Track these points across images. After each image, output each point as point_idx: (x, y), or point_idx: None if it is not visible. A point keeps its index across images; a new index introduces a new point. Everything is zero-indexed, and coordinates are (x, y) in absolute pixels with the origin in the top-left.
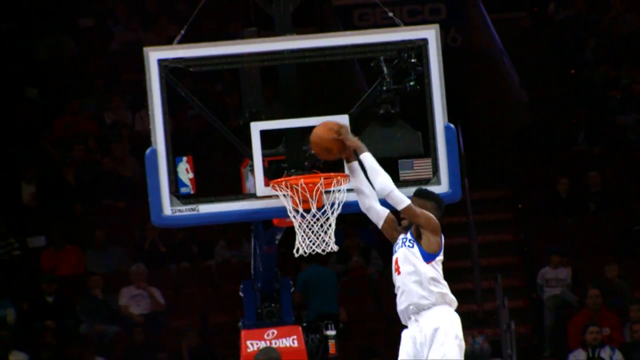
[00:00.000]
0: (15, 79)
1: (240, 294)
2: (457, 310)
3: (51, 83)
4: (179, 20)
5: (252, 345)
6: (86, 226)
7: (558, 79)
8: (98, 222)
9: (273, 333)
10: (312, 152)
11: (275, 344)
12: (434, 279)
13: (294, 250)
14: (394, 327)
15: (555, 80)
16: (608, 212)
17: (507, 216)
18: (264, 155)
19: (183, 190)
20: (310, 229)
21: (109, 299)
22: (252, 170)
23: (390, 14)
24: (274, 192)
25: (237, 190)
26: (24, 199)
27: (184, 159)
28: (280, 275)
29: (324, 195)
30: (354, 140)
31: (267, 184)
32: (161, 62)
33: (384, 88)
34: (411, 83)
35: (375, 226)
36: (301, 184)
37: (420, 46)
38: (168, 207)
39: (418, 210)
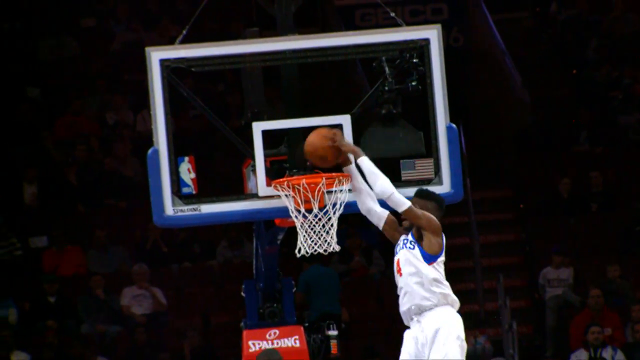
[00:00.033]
0: (17, 79)
1: (242, 294)
2: (459, 311)
3: (53, 83)
4: (181, 20)
5: (254, 345)
6: (88, 226)
7: (560, 79)
8: (100, 222)
9: (275, 333)
10: (308, 162)
11: (277, 344)
12: (436, 280)
13: (296, 251)
14: (396, 327)
15: (557, 81)
16: (610, 212)
17: (509, 216)
18: (265, 155)
19: (185, 190)
20: (312, 229)
21: (110, 299)
22: (254, 170)
23: (392, 14)
24: (275, 192)
25: (239, 191)
26: (25, 199)
27: (186, 159)
28: (282, 275)
29: (326, 195)
30: (349, 145)
31: (269, 184)
32: (163, 62)
33: (386, 88)
34: (413, 83)
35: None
36: (303, 184)
37: (422, 46)
38: (170, 207)
39: (419, 211)
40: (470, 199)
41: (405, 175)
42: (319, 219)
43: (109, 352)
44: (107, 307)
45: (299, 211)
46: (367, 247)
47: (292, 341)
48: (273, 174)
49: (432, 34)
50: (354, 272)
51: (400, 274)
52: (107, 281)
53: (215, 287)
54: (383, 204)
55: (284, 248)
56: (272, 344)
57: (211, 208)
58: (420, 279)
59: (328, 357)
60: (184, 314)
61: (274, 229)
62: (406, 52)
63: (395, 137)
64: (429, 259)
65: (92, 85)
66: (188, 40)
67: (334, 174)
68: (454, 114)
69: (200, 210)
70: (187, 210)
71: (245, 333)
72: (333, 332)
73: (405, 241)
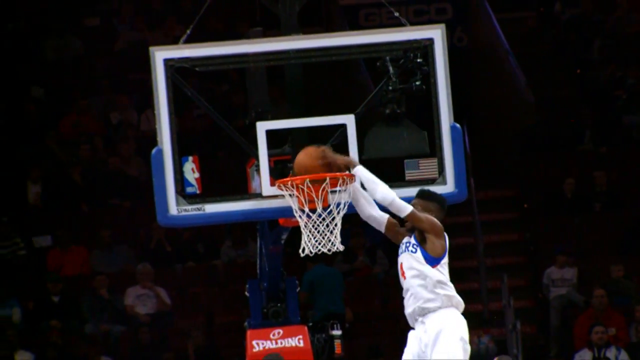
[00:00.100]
0: (21, 79)
1: (246, 293)
2: (463, 311)
3: (57, 83)
4: (185, 19)
5: (258, 345)
6: (92, 226)
7: (564, 78)
8: (104, 221)
9: (279, 333)
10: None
11: (281, 343)
12: (440, 282)
13: (300, 250)
14: (400, 326)
15: (561, 80)
16: (614, 212)
17: (513, 216)
18: (269, 155)
19: (189, 189)
20: (316, 229)
21: (114, 298)
22: (257, 170)
23: (396, 14)
24: (279, 192)
25: (243, 190)
26: (29, 199)
27: (190, 158)
28: (286, 275)
29: (330, 195)
30: (342, 158)
31: (273, 184)
32: (167, 62)
33: (390, 88)
34: (417, 83)
35: None
36: (307, 184)
37: (426, 46)
38: (174, 207)
39: (421, 215)
40: (474, 198)
41: (409, 175)
42: (323, 219)
43: (112, 351)
44: (111, 306)
45: (303, 211)
46: (371, 247)
47: (296, 341)
48: (277, 173)
49: (436, 33)
50: (358, 272)
51: (405, 277)
52: (111, 281)
53: (219, 287)
54: (382, 207)
55: (288, 248)
56: (276, 343)
57: (215, 208)
58: (423, 281)
59: (332, 357)
60: (188, 314)
61: (278, 229)
62: (410, 52)
63: (399, 137)
64: (433, 261)
65: (96, 84)
66: (192, 39)
67: (337, 173)
68: (458, 113)
69: (204, 210)
70: (191, 210)
71: (249, 333)
72: (337, 332)
73: (408, 244)
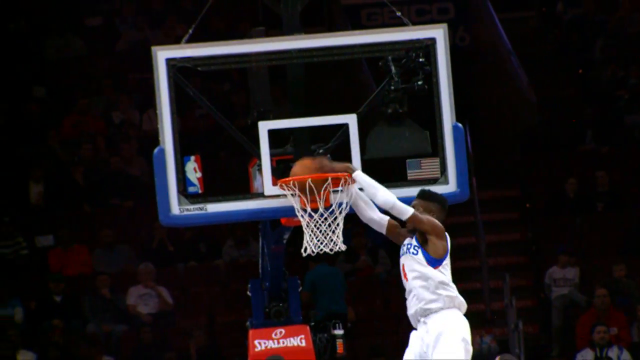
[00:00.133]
0: (23, 79)
1: (248, 293)
2: (465, 311)
3: (59, 82)
4: (187, 19)
5: (260, 344)
6: (94, 225)
7: (566, 78)
8: (106, 221)
9: (281, 332)
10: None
11: (283, 343)
12: (442, 283)
13: (302, 250)
14: (402, 326)
15: (563, 80)
16: (616, 211)
17: (515, 216)
18: (271, 155)
19: (191, 189)
20: (318, 229)
21: (116, 298)
22: (260, 170)
23: (399, 14)
24: (281, 192)
25: (245, 190)
26: (31, 198)
27: (192, 158)
28: (288, 275)
29: (332, 195)
30: (340, 166)
31: (275, 183)
32: (169, 62)
33: (392, 87)
34: (419, 82)
35: None
36: (309, 184)
37: (428, 45)
38: (176, 207)
39: (423, 217)
40: (476, 198)
41: (411, 174)
42: (325, 219)
43: (114, 351)
44: (113, 306)
45: (305, 210)
46: (373, 247)
47: (298, 340)
48: (279, 173)
49: (438, 33)
50: (359, 272)
51: (407, 279)
52: (113, 280)
53: (221, 287)
54: (382, 209)
55: (290, 247)
56: (278, 343)
57: (217, 207)
58: (425, 283)
59: (334, 357)
60: (190, 314)
61: (280, 228)
62: (412, 52)
63: (401, 137)
64: (435, 262)
65: (98, 84)
66: (194, 39)
67: (339, 174)
68: (460, 113)
69: (206, 210)
70: (193, 210)
71: (251, 332)
72: (339, 332)
73: (409, 246)
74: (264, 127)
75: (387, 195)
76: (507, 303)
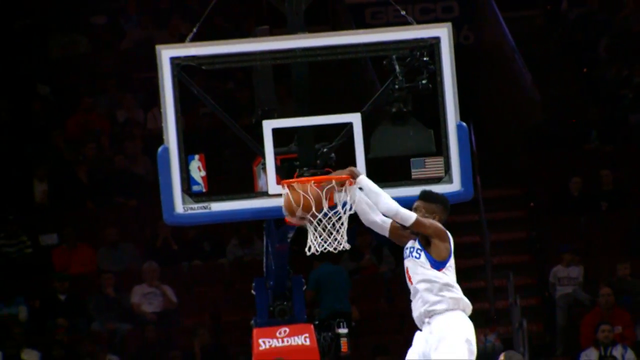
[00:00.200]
0: (27, 77)
1: (253, 292)
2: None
3: (63, 81)
4: (191, 18)
5: (264, 343)
6: (98, 224)
7: (570, 77)
8: (110, 220)
9: (285, 331)
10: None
11: (287, 342)
12: (446, 285)
13: (306, 249)
14: (407, 324)
15: (567, 79)
16: (620, 210)
17: (519, 214)
18: (276, 154)
19: (195, 188)
20: (323, 229)
21: (121, 297)
22: (264, 169)
23: (403, 12)
24: (286, 191)
25: (249, 189)
26: (36, 197)
27: (196, 157)
28: (292, 273)
29: (336, 195)
30: (345, 172)
31: (279, 182)
32: (173, 60)
33: (396, 86)
34: (423, 81)
35: None
36: (312, 185)
37: (432, 44)
38: (180, 205)
39: (425, 222)
40: (480, 197)
41: (415, 173)
42: (329, 218)
43: (119, 350)
44: (118, 305)
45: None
46: (377, 245)
47: (302, 339)
48: (283, 172)
49: (442, 32)
50: (364, 270)
51: (411, 282)
52: (117, 279)
53: (225, 285)
54: None
55: (294, 246)
56: (282, 342)
57: (221, 206)
58: (429, 285)
59: (338, 355)
60: (194, 312)
61: (284, 227)
62: (416, 51)
63: (406, 136)
64: (438, 265)
65: (103, 83)
66: (198, 38)
67: (344, 175)
68: (464, 112)
69: (210, 208)
70: (197, 208)
71: (255, 331)
72: (343, 330)
73: (412, 249)
74: (268, 125)
75: (390, 203)
76: (511, 302)
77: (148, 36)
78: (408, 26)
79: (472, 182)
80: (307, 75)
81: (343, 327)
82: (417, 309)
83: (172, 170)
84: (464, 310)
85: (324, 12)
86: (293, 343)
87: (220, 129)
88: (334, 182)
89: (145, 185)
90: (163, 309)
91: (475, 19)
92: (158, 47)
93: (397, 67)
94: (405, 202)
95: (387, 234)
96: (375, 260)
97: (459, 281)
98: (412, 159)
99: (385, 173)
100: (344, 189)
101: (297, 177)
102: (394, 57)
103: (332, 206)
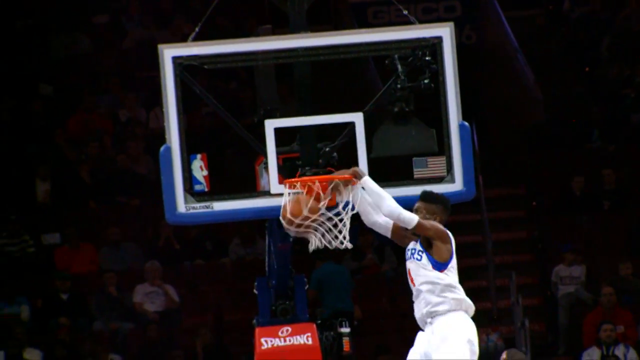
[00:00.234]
0: (29, 77)
1: (255, 291)
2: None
3: (65, 80)
4: (194, 17)
5: (267, 342)
6: (100, 223)
7: (572, 76)
8: (112, 219)
9: (287, 330)
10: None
11: (290, 341)
12: (448, 286)
13: (309, 245)
14: (409, 324)
15: (569, 78)
16: (622, 210)
17: (521, 214)
18: (278, 153)
19: (197, 187)
20: (327, 230)
21: (123, 296)
22: (266, 168)
23: (405, 12)
24: (288, 190)
25: (251, 188)
26: (38, 196)
27: (198, 156)
28: (294, 273)
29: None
30: (348, 172)
31: (281, 182)
32: (176, 60)
33: (399, 86)
34: (425, 81)
35: None
36: (316, 184)
37: (434, 44)
38: (182, 205)
39: (427, 224)
40: (482, 196)
41: (418, 173)
42: (330, 218)
43: (121, 349)
44: (120, 304)
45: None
46: (379, 245)
47: (305, 338)
48: (285, 171)
49: (444, 31)
50: (366, 270)
51: (414, 284)
52: (119, 278)
53: (227, 285)
54: None
55: (297, 245)
56: (285, 341)
57: (223, 205)
58: (432, 286)
59: (340, 355)
60: (196, 312)
61: None
62: (419, 50)
63: (408, 135)
64: (440, 266)
65: (105, 82)
66: (201, 37)
67: (346, 175)
68: (466, 111)
69: (212, 208)
70: (199, 208)
71: (257, 330)
72: (345, 330)
73: (413, 251)
74: (271, 125)
75: (393, 206)
76: (513, 301)
77: (150, 35)
78: (410, 25)
79: (474, 181)
80: (309, 74)
81: (345, 327)
82: (420, 310)
83: (175, 169)
84: (466, 311)
85: (326, 11)
86: (295, 342)
87: (222, 129)
88: (335, 182)
89: (147, 184)
90: (165, 308)
91: (477, 19)
92: (160, 46)
93: (399, 66)
94: (408, 202)
95: (389, 235)
96: (378, 260)
97: (461, 281)
98: (414, 159)
99: (388, 172)
100: (346, 188)
101: (299, 176)
102: (396, 56)
103: (334, 206)
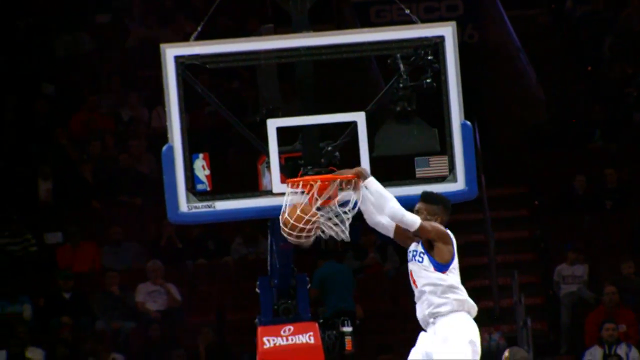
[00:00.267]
0: (32, 76)
1: (257, 290)
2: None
3: (68, 79)
4: (196, 16)
5: (269, 341)
6: (103, 222)
7: (575, 76)
8: (114, 218)
9: (289, 329)
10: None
11: (292, 340)
12: (450, 287)
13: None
14: (411, 323)
15: (572, 77)
16: (624, 209)
17: (524, 213)
18: (280, 152)
19: (199, 186)
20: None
21: (125, 295)
22: (268, 167)
23: (407, 11)
24: (290, 189)
25: (253, 187)
26: (40, 196)
27: (200, 155)
28: (296, 272)
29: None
30: (352, 172)
31: (283, 181)
32: (178, 59)
33: (401, 85)
34: (428, 80)
35: None
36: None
37: (436, 43)
38: (184, 204)
39: (428, 226)
40: (484, 196)
41: (420, 172)
42: (330, 218)
43: (123, 348)
44: (122, 303)
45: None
46: (381, 244)
47: (307, 337)
48: (288, 170)
49: (446, 31)
50: (368, 269)
51: (416, 286)
52: (121, 277)
53: (229, 284)
54: None
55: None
56: (287, 340)
57: (226, 205)
58: (434, 288)
59: (342, 354)
60: (198, 311)
61: None
62: (421, 49)
63: (410, 135)
64: (442, 267)
65: (107, 81)
66: (203, 37)
67: (349, 175)
68: (469, 111)
69: (214, 207)
70: (201, 207)
71: (259, 329)
72: (347, 329)
73: (415, 253)
74: (273, 124)
75: (396, 207)
76: (515, 300)
77: (152, 35)
78: (412, 25)
79: (477, 180)
80: (311, 73)
81: (347, 326)
82: (422, 311)
83: (177, 168)
84: (468, 312)
85: (328, 10)
86: (297, 341)
87: (224, 128)
88: (338, 181)
89: (149, 183)
90: (167, 307)
91: (479, 18)
92: (162, 45)
93: (401, 65)
94: (410, 201)
95: (391, 235)
96: (380, 259)
97: (463, 280)
98: (416, 158)
99: (390, 172)
100: (349, 187)
101: (302, 175)
102: (398, 55)
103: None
